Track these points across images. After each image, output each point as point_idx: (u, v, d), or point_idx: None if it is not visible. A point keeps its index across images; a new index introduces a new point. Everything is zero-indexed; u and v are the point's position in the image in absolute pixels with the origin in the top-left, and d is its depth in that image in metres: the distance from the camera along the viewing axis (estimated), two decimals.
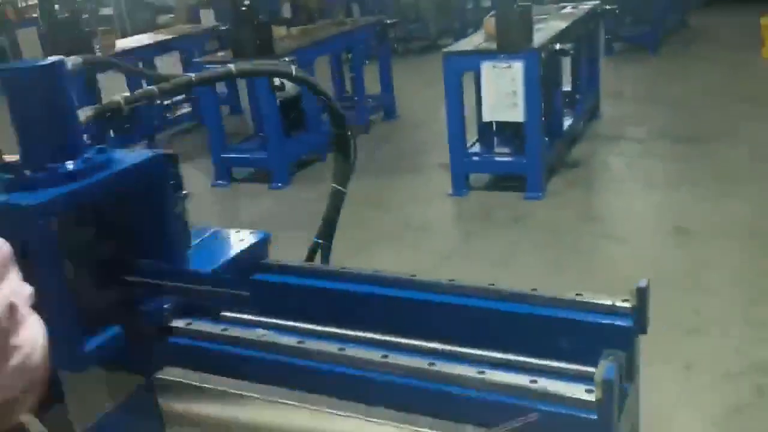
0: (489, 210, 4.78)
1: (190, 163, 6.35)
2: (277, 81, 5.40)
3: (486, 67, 4.63)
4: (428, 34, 10.36)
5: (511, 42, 4.58)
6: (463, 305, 1.67)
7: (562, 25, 5.23)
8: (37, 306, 1.09)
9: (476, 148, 5.21)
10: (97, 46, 6.65)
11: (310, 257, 2.34)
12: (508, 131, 5.26)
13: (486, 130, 5.43)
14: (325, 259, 2.38)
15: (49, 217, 1.28)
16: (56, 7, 6.09)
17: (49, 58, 1.40)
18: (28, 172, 1.35)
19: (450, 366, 1.22)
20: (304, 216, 4.93)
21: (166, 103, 7.41)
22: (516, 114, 4.68)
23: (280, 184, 5.52)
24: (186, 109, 7.33)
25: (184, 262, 1.59)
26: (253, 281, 1.88)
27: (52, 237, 1.30)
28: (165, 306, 1.52)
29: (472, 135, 5.37)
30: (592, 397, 1.10)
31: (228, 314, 1.57)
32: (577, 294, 1.65)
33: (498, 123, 5.37)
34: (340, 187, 2.39)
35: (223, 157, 5.68)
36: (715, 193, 4.59)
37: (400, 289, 1.71)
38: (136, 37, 7.94)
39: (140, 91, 1.93)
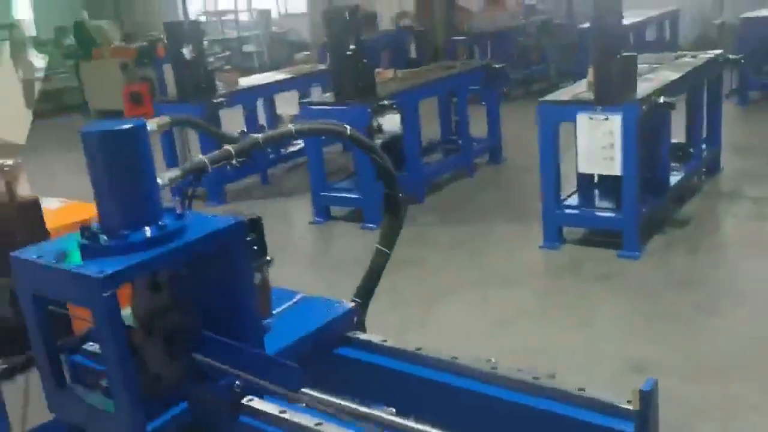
0: (578, 266, 4.57)
1: (295, 198, 6.59)
2: (375, 123, 5.53)
3: (582, 119, 4.46)
4: (549, 77, 10.16)
5: (610, 93, 4.39)
6: (461, 388, 1.61)
7: (673, 76, 4.96)
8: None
9: (573, 200, 5.00)
10: (220, 84, 7.10)
11: None
12: (608, 183, 5.02)
13: (586, 182, 5.21)
14: (360, 318, 2.36)
15: (114, 288, 1.27)
16: (184, 48, 6.53)
17: (129, 121, 1.41)
18: (102, 238, 1.36)
19: None
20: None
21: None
22: (612, 168, 4.47)
23: (371, 225, 5.57)
24: (299, 145, 7.60)
25: (257, 338, 1.55)
26: (335, 355, 1.83)
27: (114, 307, 1.28)
28: (236, 383, 1.46)
29: (573, 185, 5.19)
30: None
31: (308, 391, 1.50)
32: (579, 389, 1.55)
33: (599, 174, 5.15)
34: (384, 249, 2.37)
35: (321, 195, 5.83)
36: None
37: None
38: (259, 75, 8.38)
39: (219, 152, 2.03)
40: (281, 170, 7.55)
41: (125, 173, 1.36)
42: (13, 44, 2.63)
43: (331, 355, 1.80)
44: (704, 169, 5.84)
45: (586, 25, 9.29)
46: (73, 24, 13.18)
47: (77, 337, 1.71)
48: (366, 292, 2.31)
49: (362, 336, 1.84)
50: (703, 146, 5.76)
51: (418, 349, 1.74)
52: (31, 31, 2.76)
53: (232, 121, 7.23)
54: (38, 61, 2.67)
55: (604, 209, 4.86)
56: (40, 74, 2.67)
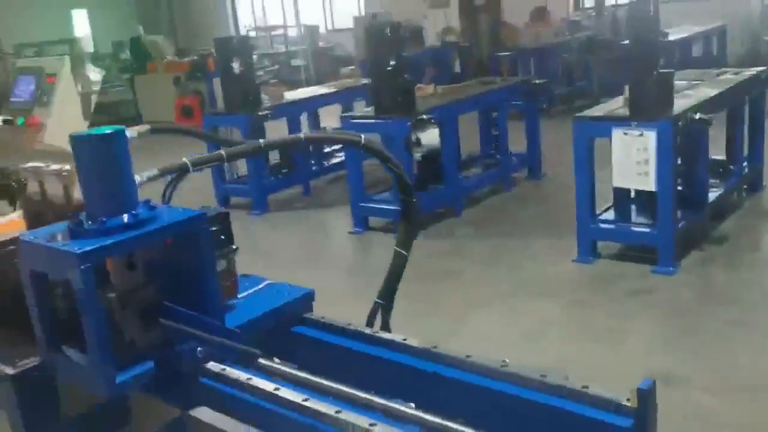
0: (610, 281, 4.59)
1: (336, 209, 6.75)
2: (413, 136, 5.66)
3: (617, 134, 4.51)
4: (593, 93, 10.15)
5: (645, 109, 4.43)
6: (469, 382, 1.73)
7: (712, 92, 4.96)
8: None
9: (607, 215, 5.03)
10: (266, 97, 7.34)
11: (372, 317, 2.45)
12: (644, 199, 5.04)
13: (622, 197, 5.23)
14: (385, 319, 2.48)
15: (89, 263, 1.52)
16: (232, 62, 6.78)
17: (110, 128, 1.68)
18: (86, 224, 1.63)
19: None
20: (418, 270, 5.07)
21: (326, 150, 7.94)
22: (647, 183, 4.49)
23: None
24: (341, 157, 7.78)
25: (217, 313, 1.77)
26: (293, 333, 2.07)
27: (89, 279, 1.54)
28: (199, 348, 1.74)
29: (610, 201, 5.22)
30: None
31: (265, 362, 1.74)
32: (583, 386, 1.65)
33: (636, 190, 5.17)
34: (402, 251, 2.49)
35: (360, 206, 5.97)
36: None
37: (422, 359, 1.81)
38: (304, 89, 8.61)
39: (209, 154, 2.18)
40: (323, 182, 7.73)
41: (105, 171, 1.62)
42: (73, 59, 2.85)
43: (289, 333, 1.98)
44: (745, 186, 5.79)
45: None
46: (129, 39, 13.72)
47: None
48: (388, 293, 2.43)
49: (315, 317, 2.03)
50: (745, 163, 5.72)
51: (375, 332, 1.91)
52: (89, 47, 2.98)
53: (279, 133, 7.45)
54: (95, 75, 2.89)
55: (638, 224, 4.87)
56: (97, 87, 2.90)
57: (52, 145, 2.77)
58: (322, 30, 16.93)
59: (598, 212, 5.00)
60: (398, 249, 2.49)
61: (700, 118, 4.42)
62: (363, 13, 15.54)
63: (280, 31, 16.98)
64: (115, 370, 1.62)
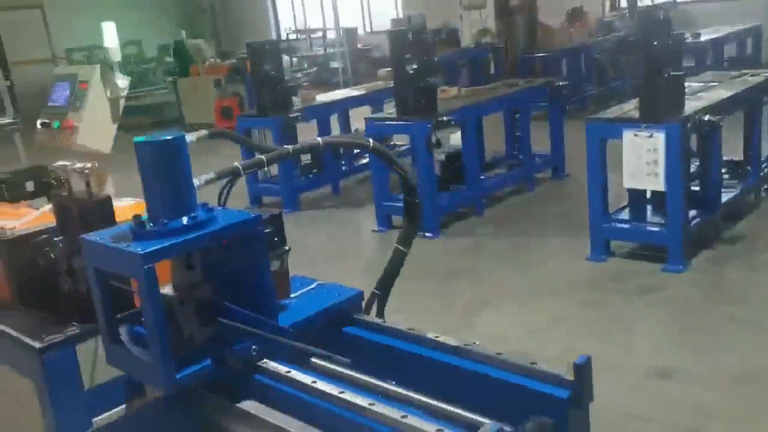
0: (621, 278, 4.71)
1: (363, 208, 6.97)
2: (434, 137, 5.84)
3: (627, 135, 4.62)
4: (626, 93, 10.14)
5: (655, 111, 4.54)
6: (438, 361, 1.91)
7: (726, 94, 5.03)
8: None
9: (619, 214, 5.14)
10: (297, 100, 7.61)
11: (368, 306, 2.65)
12: (658, 199, 5.12)
13: (637, 197, 5.33)
14: (380, 308, 2.68)
15: (152, 262, 1.60)
16: (266, 65, 7.06)
17: (171, 134, 1.75)
18: (148, 225, 1.71)
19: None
20: (436, 267, 5.26)
21: (356, 151, 8.17)
22: (656, 183, 4.60)
23: (429, 235, 5.88)
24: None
25: (271, 312, 1.85)
26: (344, 333, 2.15)
27: (152, 279, 1.62)
28: (253, 347, 1.79)
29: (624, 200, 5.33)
30: None
31: (318, 362, 1.80)
32: (531, 363, 1.83)
33: (652, 190, 5.25)
34: (402, 248, 2.68)
35: (384, 205, 6.18)
36: None
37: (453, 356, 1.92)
38: (335, 92, 8.86)
39: (252, 159, 2.39)
40: (352, 182, 7.96)
41: (166, 175, 1.71)
42: (103, 68, 3.13)
43: (340, 332, 2.12)
44: (766, 187, 5.82)
45: None
46: (173, 43, 14.21)
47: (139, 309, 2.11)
48: (385, 285, 2.62)
49: (365, 317, 2.17)
50: (764, 165, 5.75)
51: (410, 329, 2.05)
52: (116, 56, 3.21)
53: (310, 134, 7.71)
54: (123, 81, 3.15)
55: (649, 223, 4.97)
56: (124, 93, 3.17)
57: (84, 146, 3.04)
58: (360, 32, 17.19)
59: (612, 211, 5.12)
60: (398, 246, 2.67)
61: (708, 120, 4.51)
62: (401, 15, 15.76)
63: (320, 34, 17.30)
64: (174, 367, 1.68)
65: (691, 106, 4.74)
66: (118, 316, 1.92)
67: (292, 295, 2.19)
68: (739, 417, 3.14)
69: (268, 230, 2.00)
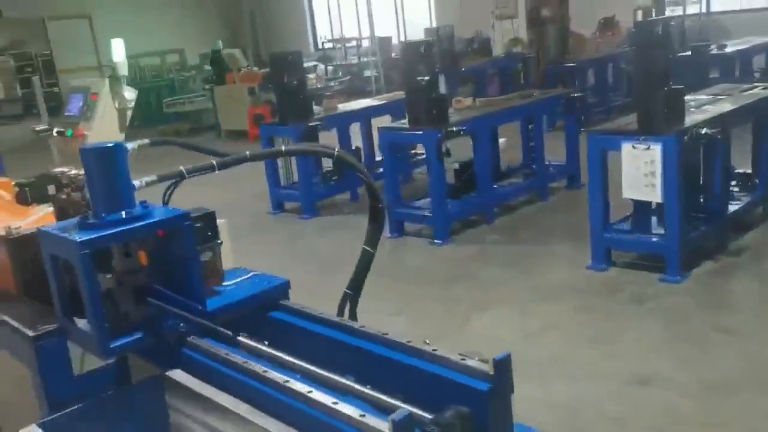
0: (618, 287, 4.79)
1: None
2: (444, 147, 6.00)
3: (626, 147, 4.71)
4: None
5: (653, 124, 4.62)
6: (363, 349, 2.07)
7: (729, 107, 5.07)
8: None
9: (620, 225, 5.22)
10: (320, 109, 7.85)
11: (342, 306, 2.82)
12: (661, 210, 5.18)
13: (642, 208, 5.38)
14: (352, 307, 2.85)
15: (87, 249, 1.88)
16: (288, 75, 7.31)
17: (112, 143, 2.07)
18: (90, 219, 2.00)
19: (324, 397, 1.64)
20: (440, 273, 5.41)
21: (378, 159, 8.36)
22: (653, 195, 4.68)
23: (438, 241, 6.03)
24: None
25: (198, 297, 2.09)
26: (270, 318, 2.40)
27: (86, 263, 1.90)
28: (181, 324, 2.06)
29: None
30: None
31: (245, 341, 2.00)
32: (462, 357, 1.98)
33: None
34: (369, 249, 2.86)
35: (396, 212, 6.33)
36: None
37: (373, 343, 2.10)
38: (357, 101, 9.09)
39: (201, 164, 2.60)
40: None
41: (106, 176, 1.99)
42: (111, 81, 3.37)
43: (266, 317, 2.33)
44: None
45: (687, 53, 9.28)
46: (210, 51, 14.65)
47: None
48: (356, 285, 2.79)
49: (291, 304, 2.36)
50: None
51: (340, 319, 2.23)
52: (124, 70, 3.48)
53: (332, 142, 7.93)
54: (130, 94, 3.39)
55: (648, 234, 5.04)
56: (131, 105, 3.42)
57: None
58: (394, 41, 17.42)
59: (613, 221, 5.20)
60: (366, 247, 2.84)
61: (705, 133, 4.57)
62: (434, 25, 15.92)
63: (354, 43, 17.59)
64: (108, 337, 1.97)
65: (692, 119, 4.80)
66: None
67: (227, 283, 2.40)
68: (709, 423, 3.22)
69: (198, 225, 2.23)
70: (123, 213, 1.95)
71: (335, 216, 7.41)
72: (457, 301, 4.94)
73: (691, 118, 4.81)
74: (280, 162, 7.71)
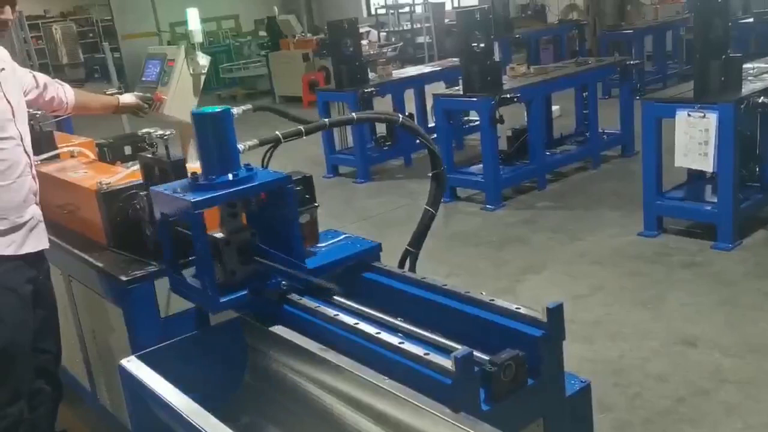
0: (668, 253, 4.87)
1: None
2: (497, 114, 6.10)
3: (681, 116, 4.75)
4: None
5: (708, 92, 4.64)
6: (445, 305, 2.26)
7: None
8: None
9: (674, 192, 5.26)
10: (375, 75, 7.99)
11: (402, 261, 3.01)
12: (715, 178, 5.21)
13: (696, 175, 5.42)
14: (413, 262, 3.04)
15: (201, 209, 2.03)
16: (344, 42, 7.46)
17: (219, 107, 2.17)
18: (200, 180, 2.14)
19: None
20: (492, 236, 5.56)
21: (431, 125, 8.49)
22: (706, 164, 4.71)
23: (490, 207, 6.17)
24: None
25: (299, 256, 2.22)
26: (362, 278, 2.52)
27: (200, 222, 2.07)
28: (282, 282, 2.21)
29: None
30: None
31: (340, 299, 2.18)
32: (517, 307, 2.15)
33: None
34: (431, 209, 3.04)
35: (449, 178, 6.47)
36: None
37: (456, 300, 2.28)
38: (414, 67, 9.18)
39: (292, 129, 2.76)
40: (424, 154, 8.27)
41: (214, 140, 2.13)
42: (187, 47, 3.59)
43: (359, 277, 2.50)
44: None
45: (749, 19, 9.07)
46: (266, 18, 14.86)
47: None
48: (417, 242, 2.98)
49: (382, 265, 2.52)
50: None
51: (423, 278, 2.40)
52: (199, 38, 3.63)
53: (387, 108, 8.08)
54: (203, 60, 3.60)
55: (700, 202, 5.08)
56: (205, 70, 3.64)
57: (169, 116, 3.53)
58: (448, 7, 17.32)
59: (669, 189, 5.25)
60: (427, 207, 3.03)
61: (762, 102, 4.57)
62: None
63: (407, 9, 17.55)
64: (218, 293, 2.11)
65: (749, 87, 4.79)
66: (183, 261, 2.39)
67: (321, 245, 2.55)
68: (749, 381, 3.33)
69: (298, 188, 2.37)
70: (230, 175, 2.08)
71: (389, 180, 7.59)
72: (508, 264, 5.09)
73: (748, 87, 4.81)
74: (338, 131, 7.91)
